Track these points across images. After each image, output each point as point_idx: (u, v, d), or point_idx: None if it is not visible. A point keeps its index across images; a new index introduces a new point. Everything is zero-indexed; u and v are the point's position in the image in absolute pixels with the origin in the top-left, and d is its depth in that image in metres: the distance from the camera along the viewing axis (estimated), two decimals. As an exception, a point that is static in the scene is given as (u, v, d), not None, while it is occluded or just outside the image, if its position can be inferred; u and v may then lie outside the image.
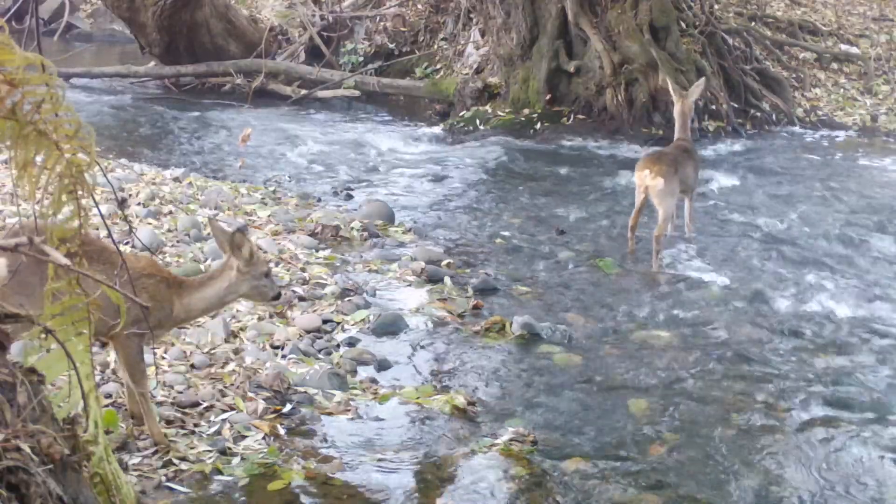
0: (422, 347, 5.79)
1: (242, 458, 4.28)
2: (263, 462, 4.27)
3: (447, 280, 6.78)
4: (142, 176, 8.83)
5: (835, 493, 4.38)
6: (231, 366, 5.12)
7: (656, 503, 4.23)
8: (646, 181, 7.57)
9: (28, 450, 2.03)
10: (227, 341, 5.36)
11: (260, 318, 5.75)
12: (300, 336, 5.60)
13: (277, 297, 4.49)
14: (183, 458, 4.19)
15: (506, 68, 13.37)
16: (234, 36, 15.84)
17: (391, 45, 16.18)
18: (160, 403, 4.55)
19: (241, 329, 5.57)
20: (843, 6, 17.82)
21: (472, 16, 15.47)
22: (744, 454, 4.69)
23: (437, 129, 13.16)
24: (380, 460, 4.42)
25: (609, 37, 12.85)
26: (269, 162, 10.73)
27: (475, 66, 14.65)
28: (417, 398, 5.04)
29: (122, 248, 4.19)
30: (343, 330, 5.84)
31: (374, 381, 5.23)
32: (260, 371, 5.08)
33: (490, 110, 13.23)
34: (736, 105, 13.39)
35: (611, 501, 4.22)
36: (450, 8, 16.12)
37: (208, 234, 6.55)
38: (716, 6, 15.13)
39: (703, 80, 9.05)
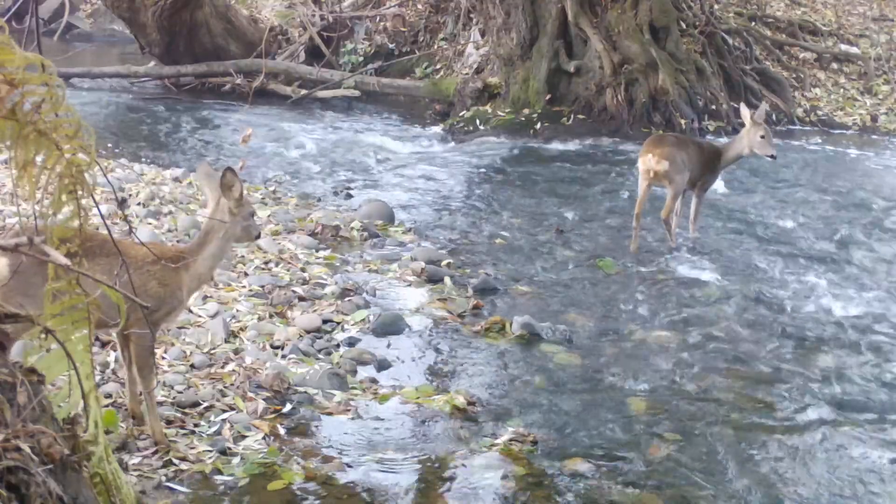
0: (422, 347, 5.79)
1: (242, 458, 4.28)
2: (263, 462, 4.27)
3: (447, 280, 6.78)
4: (142, 176, 8.84)
5: (835, 493, 4.38)
6: (231, 366, 5.12)
7: (656, 503, 4.23)
8: (650, 165, 7.55)
9: (28, 450, 2.03)
10: (227, 341, 5.36)
11: (260, 318, 5.75)
12: (300, 336, 5.60)
13: (259, 235, 4.62)
14: (183, 458, 4.19)
15: (506, 68, 13.37)
16: (234, 36, 15.84)
17: (391, 45, 16.19)
18: (160, 403, 4.55)
19: (241, 329, 5.57)
20: (843, 6, 17.84)
21: (472, 16, 15.48)
22: (744, 454, 4.68)
23: (437, 129, 13.17)
24: (380, 460, 4.42)
25: (609, 37, 12.86)
26: (269, 162, 10.73)
27: (475, 66, 14.66)
28: (417, 398, 5.04)
29: (122, 239, 4.19)
30: (343, 330, 5.84)
31: (374, 381, 5.23)
32: (260, 371, 5.08)
33: (490, 110, 13.23)
34: (736, 105, 13.38)
35: (611, 501, 4.22)
36: (450, 8, 16.13)
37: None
38: (716, 6, 15.15)
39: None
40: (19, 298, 3.55)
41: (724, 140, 12.13)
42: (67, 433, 2.31)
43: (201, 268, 4.28)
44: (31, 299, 3.41)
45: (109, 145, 10.60)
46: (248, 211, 4.39)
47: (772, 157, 7.92)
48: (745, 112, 7.90)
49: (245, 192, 4.43)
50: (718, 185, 9.87)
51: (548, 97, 12.95)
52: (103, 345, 5.05)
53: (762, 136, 7.74)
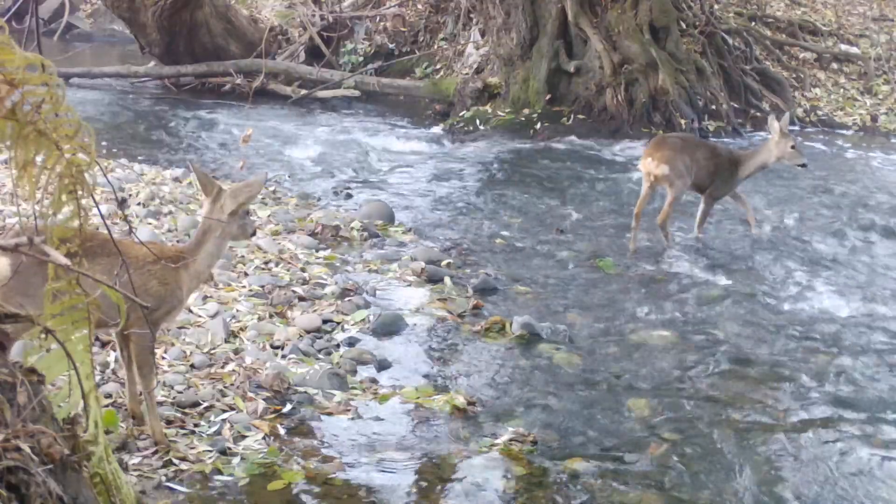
0: (422, 348, 5.78)
1: (242, 458, 4.28)
2: (263, 462, 4.28)
3: (447, 280, 6.78)
4: (142, 176, 8.84)
5: (835, 492, 4.38)
6: (231, 366, 5.12)
7: (656, 503, 4.23)
8: (650, 168, 7.53)
9: (28, 450, 2.03)
10: (227, 341, 5.36)
11: (260, 318, 5.75)
12: (300, 336, 5.60)
13: (254, 233, 4.66)
14: (183, 458, 4.19)
15: (506, 68, 13.37)
16: (234, 36, 15.83)
17: (391, 45, 16.18)
18: (160, 403, 4.55)
19: (241, 329, 5.57)
20: (843, 6, 17.82)
21: (472, 16, 15.48)
22: (744, 454, 4.68)
23: (437, 129, 13.16)
24: (380, 460, 4.42)
25: (609, 37, 12.86)
26: (270, 162, 10.73)
27: (475, 66, 14.66)
28: (417, 398, 5.04)
29: (123, 238, 4.20)
30: (343, 330, 5.84)
31: (374, 381, 5.23)
32: (260, 371, 5.08)
33: (490, 110, 13.23)
34: (736, 105, 13.40)
35: (611, 501, 4.22)
36: (450, 8, 16.12)
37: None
38: (716, 6, 15.14)
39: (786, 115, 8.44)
40: (19, 298, 3.55)
41: (726, 141, 12.21)
42: (67, 433, 2.31)
43: (200, 266, 4.34)
44: (31, 299, 3.42)
45: (109, 145, 10.59)
46: (243, 210, 4.44)
47: (803, 165, 7.91)
48: (773, 124, 7.70)
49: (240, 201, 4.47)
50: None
51: (548, 97, 12.95)
52: (103, 345, 5.05)
53: (793, 147, 7.68)
